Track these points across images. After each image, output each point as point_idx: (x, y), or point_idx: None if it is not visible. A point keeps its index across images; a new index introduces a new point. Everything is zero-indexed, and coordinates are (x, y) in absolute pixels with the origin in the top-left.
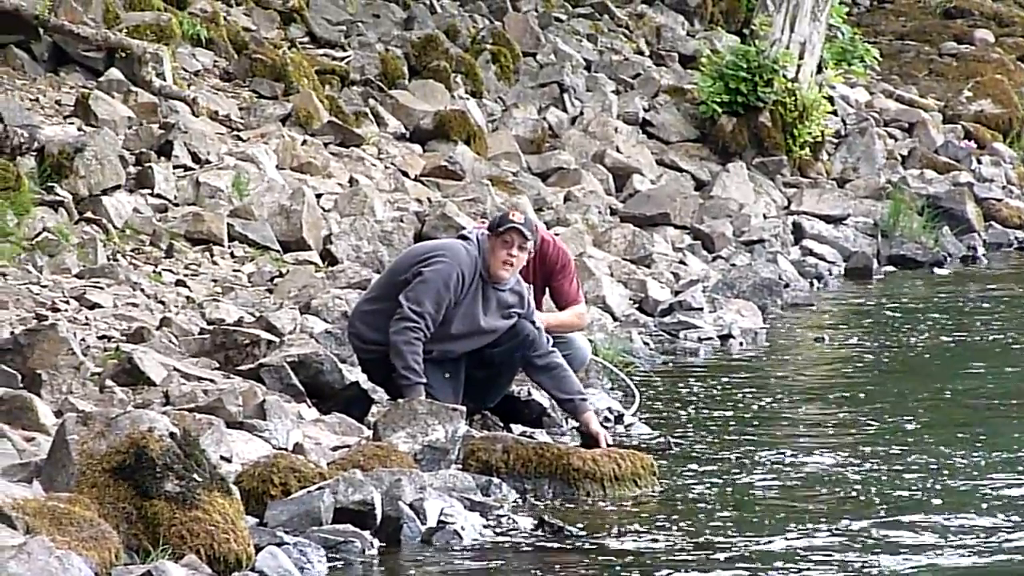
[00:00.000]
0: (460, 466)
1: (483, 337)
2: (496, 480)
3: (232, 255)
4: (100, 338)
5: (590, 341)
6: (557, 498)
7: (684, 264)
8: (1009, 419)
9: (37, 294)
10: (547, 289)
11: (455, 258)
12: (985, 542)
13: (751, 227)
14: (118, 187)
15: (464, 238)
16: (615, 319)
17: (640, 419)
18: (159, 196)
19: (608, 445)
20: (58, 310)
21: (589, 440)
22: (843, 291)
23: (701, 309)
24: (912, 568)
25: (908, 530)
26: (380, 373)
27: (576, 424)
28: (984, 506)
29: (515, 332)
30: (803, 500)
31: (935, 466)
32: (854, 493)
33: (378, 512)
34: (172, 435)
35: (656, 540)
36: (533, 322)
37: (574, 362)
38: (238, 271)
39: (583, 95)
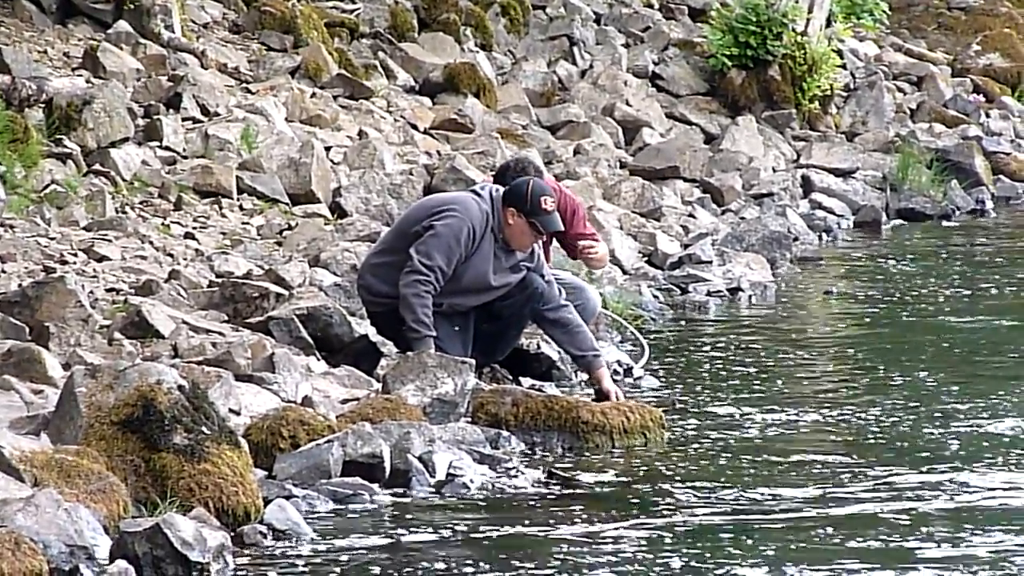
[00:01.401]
0: (469, 419)
1: (493, 292)
2: (505, 433)
3: (241, 208)
4: (108, 291)
5: (600, 294)
6: (566, 451)
7: (693, 217)
8: (1017, 369)
9: (45, 246)
10: (556, 239)
11: (466, 212)
12: (998, 487)
13: (760, 180)
14: (126, 139)
15: (476, 192)
16: (624, 272)
17: (649, 372)
18: (168, 148)
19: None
20: (66, 262)
21: (602, 398)
22: (852, 244)
23: (710, 262)
24: (924, 512)
25: (918, 477)
26: (389, 326)
27: (588, 380)
28: (996, 452)
29: (524, 285)
30: (811, 451)
31: (943, 416)
32: (863, 443)
33: (387, 465)
34: (180, 388)
35: (664, 492)
36: (543, 275)
37: (585, 313)
38: (247, 224)
39: (593, 48)
